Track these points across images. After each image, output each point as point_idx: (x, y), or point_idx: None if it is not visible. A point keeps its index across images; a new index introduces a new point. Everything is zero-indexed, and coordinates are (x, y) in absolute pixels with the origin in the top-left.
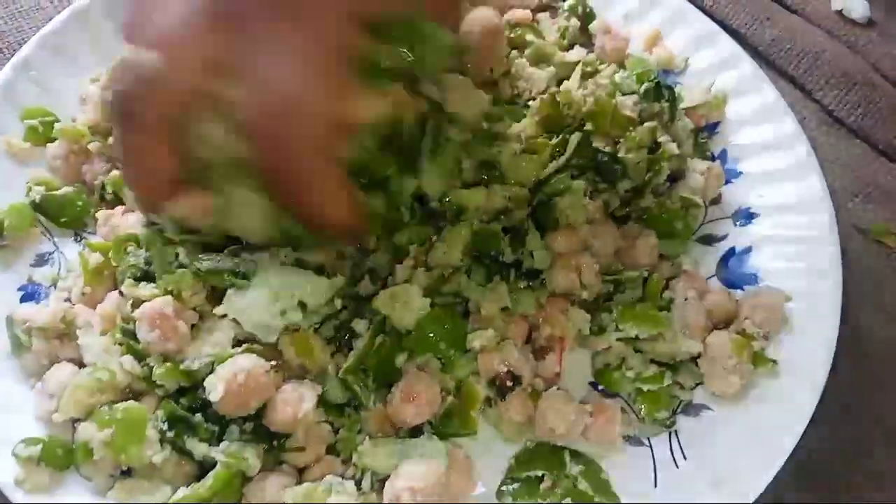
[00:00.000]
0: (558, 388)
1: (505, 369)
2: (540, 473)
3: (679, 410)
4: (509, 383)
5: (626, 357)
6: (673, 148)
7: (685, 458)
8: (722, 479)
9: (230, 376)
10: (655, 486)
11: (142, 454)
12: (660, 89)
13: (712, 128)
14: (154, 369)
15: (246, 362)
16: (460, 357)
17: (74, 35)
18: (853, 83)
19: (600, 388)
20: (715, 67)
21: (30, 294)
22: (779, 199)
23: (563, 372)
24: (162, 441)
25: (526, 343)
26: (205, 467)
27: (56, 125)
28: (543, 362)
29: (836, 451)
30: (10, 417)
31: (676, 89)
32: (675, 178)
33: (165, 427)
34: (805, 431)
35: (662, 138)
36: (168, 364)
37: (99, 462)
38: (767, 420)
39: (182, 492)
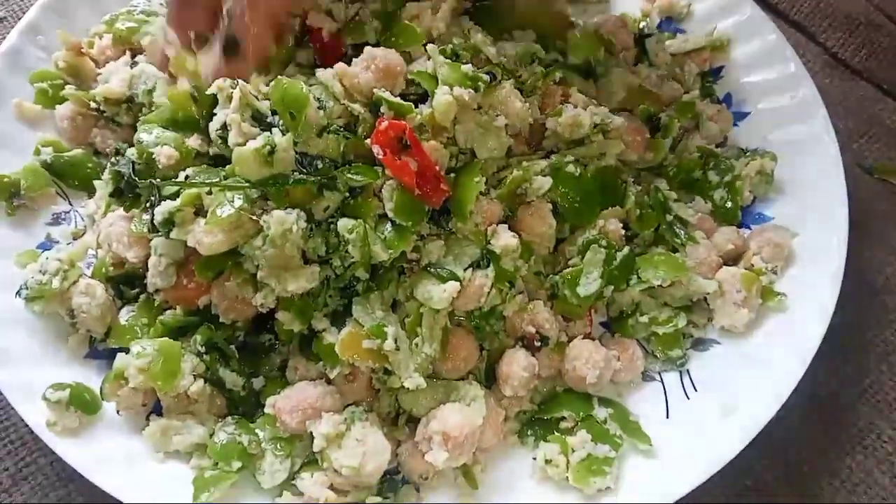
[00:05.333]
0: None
1: (533, 330)
2: (560, 415)
3: (689, 346)
4: (537, 343)
5: (640, 302)
6: (707, 111)
7: (696, 389)
8: (732, 408)
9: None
10: (668, 416)
11: (176, 384)
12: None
13: (717, 72)
14: None
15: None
16: (493, 318)
17: None
18: (857, 24)
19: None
20: (718, 12)
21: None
22: (784, 139)
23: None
24: (195, 376)
25: None
26: (235, 403)
27: (66, 87)
28: (574, 323)
29: (844, 384)
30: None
31: (680, 37)
32: (687, 128)
33: (203, 350)
34: (813, 364)
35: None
36: None
37: (130, 393)
38: (775, 351)
39: None
